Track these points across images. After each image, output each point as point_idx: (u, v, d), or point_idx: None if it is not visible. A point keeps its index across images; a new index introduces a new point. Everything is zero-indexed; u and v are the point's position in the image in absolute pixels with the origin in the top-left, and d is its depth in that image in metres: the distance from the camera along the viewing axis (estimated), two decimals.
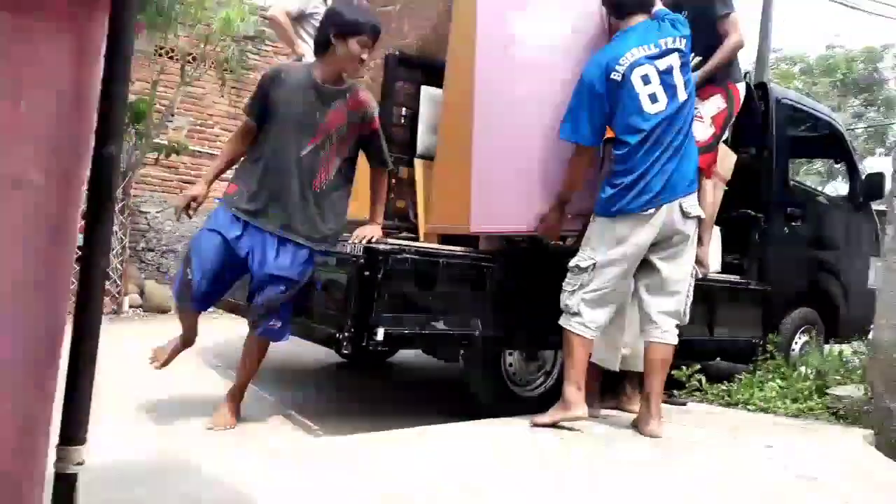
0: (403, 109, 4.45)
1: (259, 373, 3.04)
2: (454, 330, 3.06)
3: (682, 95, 2.82)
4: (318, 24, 4.08)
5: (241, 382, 2.95)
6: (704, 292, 4.00)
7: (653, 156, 2.78)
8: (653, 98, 2.80)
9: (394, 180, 4.38)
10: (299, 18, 4.11)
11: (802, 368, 4.39)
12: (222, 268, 2.81)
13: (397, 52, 4.40)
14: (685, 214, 2.88)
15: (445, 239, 3.89)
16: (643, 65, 2.79)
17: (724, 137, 3.87)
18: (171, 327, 3.23)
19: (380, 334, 2.78)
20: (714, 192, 3.98)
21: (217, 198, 3.04)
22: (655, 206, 2.81)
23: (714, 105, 3.64)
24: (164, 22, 5.77)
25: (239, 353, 2.99)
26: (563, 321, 2.96)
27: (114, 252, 5.86)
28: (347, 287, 2.87)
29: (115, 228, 5.84)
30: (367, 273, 2.78)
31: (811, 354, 4.74)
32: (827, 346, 5.15)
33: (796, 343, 4.95)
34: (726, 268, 4.43)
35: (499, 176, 3.29)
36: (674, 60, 2.83)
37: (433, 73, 4.32)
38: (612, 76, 2.79)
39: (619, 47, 2.85)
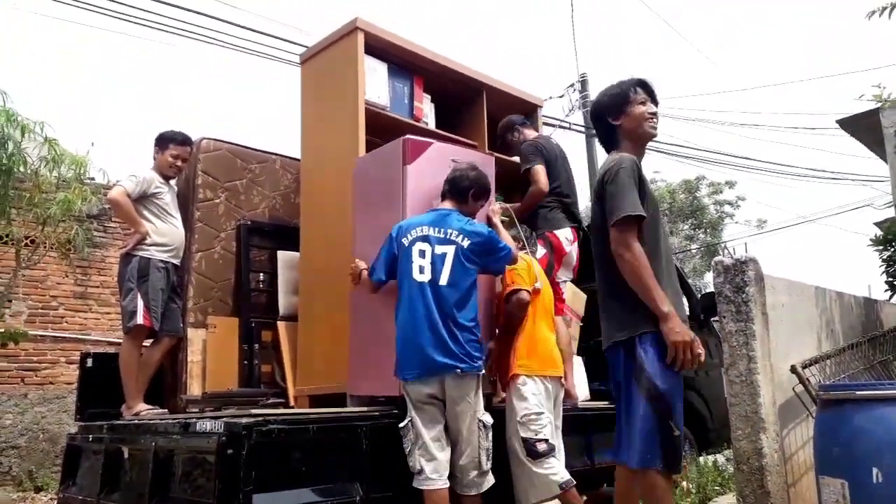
0: (261, 275, 4.43)
1: None
2: (334, 499, 2.86)
3: (443, 280, 3.11)
4: (160, 204, 4.12)
5: None
6: (578, 422, 4.08)
7: (421, 322, 3.03)
8: (421, 269, 3.12)
9: (256, 345, 4.26)
10: (141, 199, 4.07)
11: (684, 483, 4.50)
12: None
13: (249, 222, 4.43)
14: (464, 374, 3.03)
15: (315, 400, 3.76)
16: (426, 241, 3.15)
17: (559, 278, 4.19)
18: None
19: None
20: (569, 327, 4.21)
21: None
22: (428, 373, 3.00)
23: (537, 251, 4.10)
24: None
25: None
26: (415, 483, 2.99)
27: None
28: (208, 469, 2.64)
29: None
30: (229, 451, 2.58)
31: (689, 469, 4.88)
32: (702, 458, 5.32)
33: None
34: (594, 395, 4.55)
35: (374, 337, 3.34)
36: (449, 250, 3.15)
37: (287, 236, 4.37)
38: (402, 240, 3.17)
39: (418, 221, 3.22)
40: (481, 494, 3.11)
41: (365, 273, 3.30)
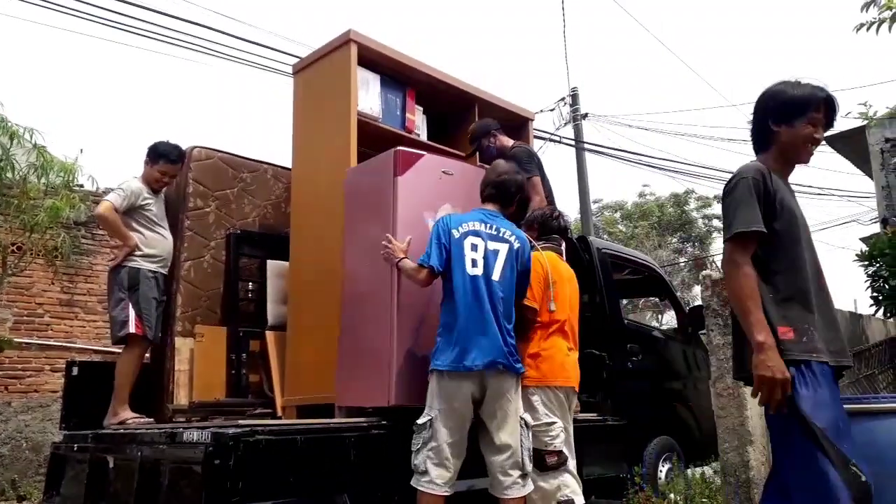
0: (250, 284, 4.41)
1: None
2: None
3: (496, 276, 3.11)
4: (148, 215, 4.10)
5: None
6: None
7: (471, 314, 2.99)
8: (474, 263, 3.09)
9: (244, 355, 4.24)
10: (130, 211, 4.07)
11: (672, 496, 4.50)
12: None
13: (239, 230, 4.42)
14: (504, 371, 3.00)
15: (303, 411, 3.75)
16: (478, 236, 3.13)
17: None
18: None
19: None
20: None
21: None
22: (474, 367, 2.94)
23: None
24: None
25: None
26: (413, 482, 2.95)
27: None
28: (194, 479, 2.62)
29: None
30: (216, 461, 2.56)
31: (676, 481, 4.87)
32: (689, 471, 5.32)
33: (661, 471, 5.08)
34: (583, 407, 4.56)
35: (363, 348, 3.32)
36: (502, 248, 3.16)
37: (277, 246, 4.36)
38: (452, 231, 3.13)
39: (467, 217, 3.22)
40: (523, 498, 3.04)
41: (408, 262, 3.13)
